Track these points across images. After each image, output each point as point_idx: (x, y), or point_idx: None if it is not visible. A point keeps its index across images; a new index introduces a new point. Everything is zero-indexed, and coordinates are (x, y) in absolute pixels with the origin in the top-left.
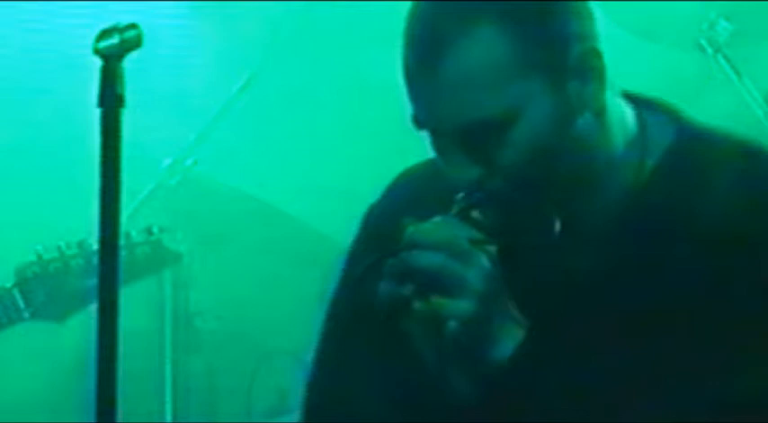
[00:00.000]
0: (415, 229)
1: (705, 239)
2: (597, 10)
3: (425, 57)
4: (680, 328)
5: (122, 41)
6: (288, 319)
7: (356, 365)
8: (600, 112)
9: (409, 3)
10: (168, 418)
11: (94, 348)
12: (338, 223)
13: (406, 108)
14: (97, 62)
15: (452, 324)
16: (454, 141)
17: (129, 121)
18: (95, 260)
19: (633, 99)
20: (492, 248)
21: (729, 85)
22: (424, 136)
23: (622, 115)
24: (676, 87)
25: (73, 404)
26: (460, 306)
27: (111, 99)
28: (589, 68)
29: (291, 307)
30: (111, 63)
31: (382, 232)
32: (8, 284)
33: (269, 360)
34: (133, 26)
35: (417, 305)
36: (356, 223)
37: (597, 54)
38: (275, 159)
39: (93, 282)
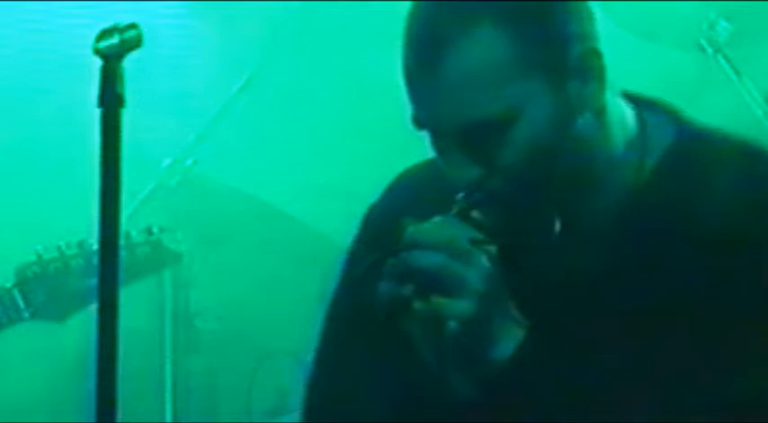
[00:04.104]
0: (415, 229)
1: (705, 239)
2: (597, 10)
3: (425, 57)
4: (680, 327)
5: (122, 41)
6: (288, 319)
7: (356, 365)
8: (600, 112)
9: (409, 3)
10: (168, 418)
11: (94, 348)
12: (338, 223)
13: (406, 108)
14: (97, 62)
15: (452, 324)
16: (454, 141)
17: (129, 121)
18: (95, 260)
19: (633, 99)
20: (492, 248)
21: (729, 85)
22: (424, 136)
23: (622, 115)
24: (676, 87)
25: (73, 404)
26: (460, 306)
27: (111, 99)
28: (589, 68)
29: (291, 307)
30: (111, 63)
31: (382, 232)
32: (8, 284)
33: (269, 360)
34: (133, 26)
35: (417, 305)
36: (356, 223)
37: (597, 54)
38: (275, 159)
39: (93, 282)
